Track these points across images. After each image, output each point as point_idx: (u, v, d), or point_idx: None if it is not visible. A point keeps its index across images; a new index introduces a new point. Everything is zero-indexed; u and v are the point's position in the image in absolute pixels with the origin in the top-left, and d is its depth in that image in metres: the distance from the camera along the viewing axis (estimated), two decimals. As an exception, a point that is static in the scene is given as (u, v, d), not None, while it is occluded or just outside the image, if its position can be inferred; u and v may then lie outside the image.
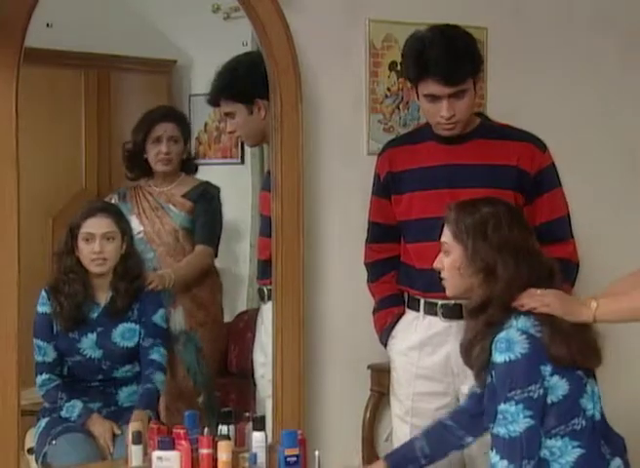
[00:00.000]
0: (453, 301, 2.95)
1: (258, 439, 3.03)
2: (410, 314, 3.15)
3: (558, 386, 2.50)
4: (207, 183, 3.60)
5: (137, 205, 3.53)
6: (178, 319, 3.50)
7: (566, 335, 2.53)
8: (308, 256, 3.29)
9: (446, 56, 2.91)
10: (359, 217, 3.29)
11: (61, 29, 3.34)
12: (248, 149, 3.70)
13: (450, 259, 2.65)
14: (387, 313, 3.19)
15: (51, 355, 3.20)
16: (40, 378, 3.19)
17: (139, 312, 3.29)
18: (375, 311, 3.24)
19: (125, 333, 3.27)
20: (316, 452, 2.92)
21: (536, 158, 3.07)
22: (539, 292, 2.56)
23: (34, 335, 3.18)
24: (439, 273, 2.70)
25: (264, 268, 3.34)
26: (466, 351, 2.64)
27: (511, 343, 2.48)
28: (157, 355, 3.29)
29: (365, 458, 3.42)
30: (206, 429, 3.01)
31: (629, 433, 2.67)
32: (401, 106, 3.52)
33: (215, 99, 3.45)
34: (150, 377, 3.26)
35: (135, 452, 2.99)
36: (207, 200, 3.56)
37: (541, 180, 3.07)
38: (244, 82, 3.35)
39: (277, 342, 3.23)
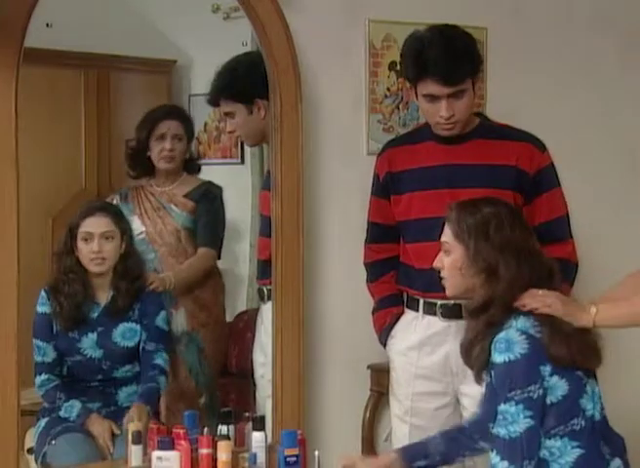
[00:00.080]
0: (452, 301, 2.95)
1: (257, 439, 3.03)
2: (409, 314, 3.15)
3: (557, 386, 2.49)
4: (209, 183, 3.59)
5: (138, 205, 3.53)
6: (180, 320, 3.49)
7: (566, 336, 2.53)
8: (308, 256, 3.29)
9: (445, 56, 2.91)
10: (359, 217, 3.29)
11: (61, 29, 3.34)
12: (248, 149, 3.70)
13: (450, 259, 2.65)
14: (386, 313, 3.19)
15: (50, 355, 3.20)
16: (39, 379, 3.19)
17: (140, 312, 3.29)
18: (374, 311, 3.24)
19: (126, 333, 3.27)
20: (316, 452, 2.93)
21: (535, 158, 3.07)
22: (540, 292, 2.57)
23: (34, 336, 3.18)
24: (439, 272, 2.70)
25: (264, 268, 3.34)
26: (466, 351, 2.64)
27: (511, 343, 2.48)
28: (161, 360, 3.29)
29: (365, 458, 3.42)
30: (205, 429, 3.01)
31: (629, 433, 2.67)
32: (401, 106, 3.52)
33: (214, 99, 3.45)
34: (154, 378, 3.27)
35: (134, 452, 2.99)
36: (209, 200, 3.56)
37: (540, 180, 3.07)
38: (244, 82, 3.35)
39: (277, 342, 3.23)
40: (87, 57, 3.50)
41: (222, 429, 3.03)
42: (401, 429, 3.15)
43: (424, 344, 3.09)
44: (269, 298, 3.31)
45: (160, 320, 3.32)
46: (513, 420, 2.46)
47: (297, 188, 3.23)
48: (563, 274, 2.73)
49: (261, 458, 3.02)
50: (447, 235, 2.66)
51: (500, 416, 2.49)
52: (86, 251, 3.21)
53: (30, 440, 3.21)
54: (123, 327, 3.27)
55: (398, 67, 3.42)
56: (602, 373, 2.64)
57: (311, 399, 3.35)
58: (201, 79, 3.63)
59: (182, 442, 2.92)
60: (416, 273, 3.09)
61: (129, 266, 3.29)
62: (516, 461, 2.46)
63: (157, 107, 3.62)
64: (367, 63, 3.46)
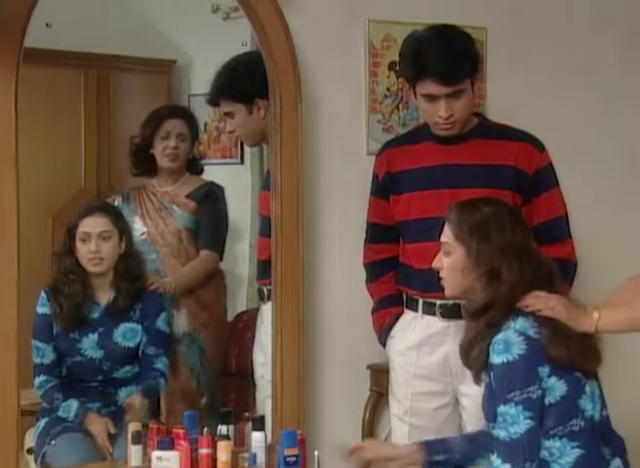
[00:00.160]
0: (451, 301, 2.95)
1: (257, 439, 3.03)
2: (408, 314, 3.15)
3: (556, 387, 2.49)
4: (212, 184, 3.59)
5: (140, 206, 3.53)
6: (181, 321, 3.49)
7: (566, 337, 2.52)
8: (308, 256, 3.29)
9: (444, 55, 2.91)
10: (358, 217, 3.29)
11: (61, 29, 3.34)
12: (247, 149, 3.70)
13: (450, 260, 2.64)
14: (386, 313, 3.19)
15: (49, 356, 3.20)
16: (38, 380, 3.19)
17: (141, 312, 3.29)
18: (373, 311, 3.24)
19: (127, 333, 3.27)
20: (316, 452, 2.93)
21: (533, 158, 3.06)
22: (543, 294, 2.56)
23: (33, 337, 3.18)
24: (438, 272, 2.70)
25: (264, 268, 3.34)
26: (466, 352, 2.63)
27: (509, 344, 2.47)
28: (161, 364, 3.30)
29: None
30: (205, 429, 3.01)
31: (629, 433, 2.67)
32: (400, 106, 3.52)
33: (214, 99, 3.45)
34: (154, 378, 3.28)
35: (134, 452, 2.99)
36: (211, 200, 3.56)
37: (539, 180, 3.07)
38: (243, 82, 3.35)
39: (277, 342, 3.23)
40: (87, 57, 3.50)
41: (222, 429, 3.03)
42: (400, 429, 3.15)
43: (424, 344, 3.09)
44: (269, 298, 3.31)
45: (161, 322, 3.32)
46: (513, 421, 2.46)
47: (296, 188, 3.23)
48: (562, 274, 2.73)
49: (261, 458, 3.02)
50: (447, 236, 2.65)
51: (499, 418, 2.48)
52: (84, 251, 3.21)
53: (30, 440, 3.21)
54: (124, 327, 3.27)
55: (398, 67, 3.42)
56: (602, 374, 2.64)
57: (311, 399, 3.34)
58: (201, 79, 3.63)
59: (182, 442, 2.92)
60: (415, 273, 3.09)
61: (129, 266, 3.28)
62: (518, 463, 2.45)
63: (163, 106, 3.63)
64: (367, 63, 3.46)
